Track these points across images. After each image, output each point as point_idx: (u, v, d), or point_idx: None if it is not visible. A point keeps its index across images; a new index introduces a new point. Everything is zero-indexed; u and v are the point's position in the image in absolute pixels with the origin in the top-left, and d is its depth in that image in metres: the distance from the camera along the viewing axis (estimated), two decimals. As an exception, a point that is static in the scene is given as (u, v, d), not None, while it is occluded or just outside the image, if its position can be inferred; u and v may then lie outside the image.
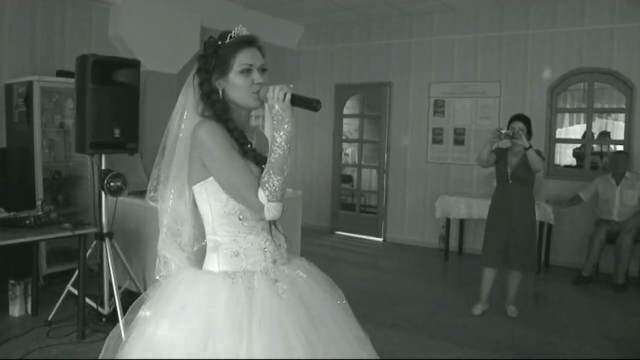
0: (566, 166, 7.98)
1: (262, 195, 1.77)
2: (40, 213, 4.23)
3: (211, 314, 1.72)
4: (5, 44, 5.48)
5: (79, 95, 4.20)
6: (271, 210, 1.79)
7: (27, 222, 4.05)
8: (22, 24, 5.61)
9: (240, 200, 1.82)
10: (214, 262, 1.88)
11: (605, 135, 7.93)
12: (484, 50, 7.40)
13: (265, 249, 1.90)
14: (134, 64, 4.46)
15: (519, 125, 4.64)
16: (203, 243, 1.98)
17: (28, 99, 5.20)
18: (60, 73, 5.51)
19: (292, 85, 1.81)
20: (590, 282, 6.00)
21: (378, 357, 2.02)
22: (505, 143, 4.81)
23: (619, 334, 4.65)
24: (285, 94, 1.77)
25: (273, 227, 1.93)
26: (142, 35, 6.39)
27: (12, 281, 4.55)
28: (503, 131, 4.61)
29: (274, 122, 1.79)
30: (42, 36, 5.78)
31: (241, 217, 1.86)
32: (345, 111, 8.97)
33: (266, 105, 1.84)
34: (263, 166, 1.82)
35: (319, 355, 1.75)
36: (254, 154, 1.86)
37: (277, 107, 1.77)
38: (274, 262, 1.91)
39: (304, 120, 8.93)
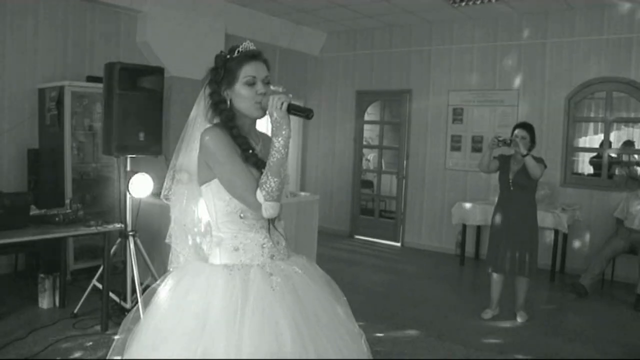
0: (588, 175, 7.98)
1: (259, 195, 1.93)
2: (68, 211, 4.49)
3: (209, 301, 1.91)
4: (39, 51, 5.79)
5: (106, 101, 4.45)
6: (268, 209, 1.95)
7: (57, 219, 4.30)
8: (54, 31, 5.91)
9: (240, 200, 2.00)
10: (216, 256, 2.08)
11: (630, 144, 7.90)
12: (503, 59, 7.48)
13: (264, 245, 2.07)
14: (159, 71, 4.68)
15: (521, 133, 4.74)
16: (210, 236, 2.16)
17: (59, 103, 5.48)
18: (90, 78, 5.78)
19: (290, 95, 1.97)
20: (586, 295, 5.82)
21: (369, 351, 2.17)
22: (508, 150, 4.92)
23: (630, 341, 4.70)
24: (282, 103, 1.94)
25: (272, 225, 2.09)
26: (168, 42, 6.65)
27: (41, 275, 4.81)
28: (500, 138, 4.73)
29: (273, 128, 1.95)
30: (74, 43, 6.08)
31: (242, 215, 2.04)
32: (367, 117, 9.10)
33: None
34: (262, 170, 1.98)
35: (308, 344, 1.90)
36: (254, 159, 2.04)
37: (275, 115, 1.94)
38: (272, 257, 2.08)
39: (325, 126, 9.12)
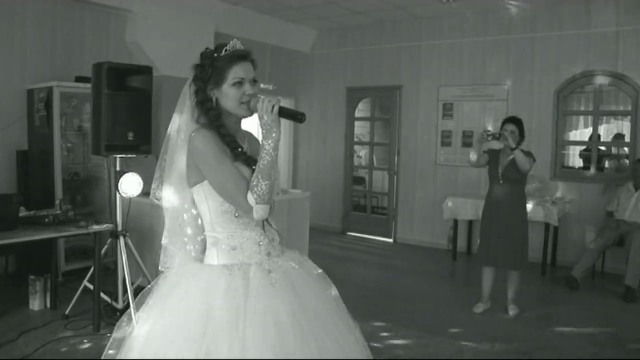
0: (579, 168, 8.03)
1: (250, 198, 1.94)
2: (58, 212, 4.47)
3: (210, 302, 1.90)
4: (27, 51, 5.75)
5: (95, 101, 4.44)
6: (259, 212, 1.95)
7: (46, 220, 4.27)
8: (43, 31, 5.87)
9: (231, 202, 2.00)
10: (213, 256, 2.07)
11: (620, 137, 7.96)
12: (492, 54, 7.51)
13: (260, 243, 2.07)
14: (147, 70, 4.68)
15: (510, 127, 4.77)
16: (203, 236, 2.16)
17: (48, 104, 5.45)
18: (79, 78, 5.75)
19: (279, 98, 1.98)
20: (578, 288, 5.88)
21: (365, 343, 2.18)
22: (497, 144, 4.95)
23: (620, 331, 4.74)
24: (273, 106, 1.94)
25: (266, 223, 2.10)
26: (158, 41, 6.63)
27: (32, 277, 4.79)
28: (489, 132, 4.77)
29: (263, 131, 1.95)
30: (62, 43, 6.04)
31: (236, 214, 2.03)
32: (357, 114, 9.12)
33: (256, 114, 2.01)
34: (253, 167, 1.98)
35: (309, 338, 1.92)
36: (244, 157, 2.04)
37: (265, 117, 1.94)
38: (268, 254, 2.08)
39: (316, 123, 9.12)
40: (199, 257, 2.17)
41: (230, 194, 1.97)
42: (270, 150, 1.94)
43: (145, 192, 4.84)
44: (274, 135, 1.94)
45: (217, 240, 2.07)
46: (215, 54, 2.05)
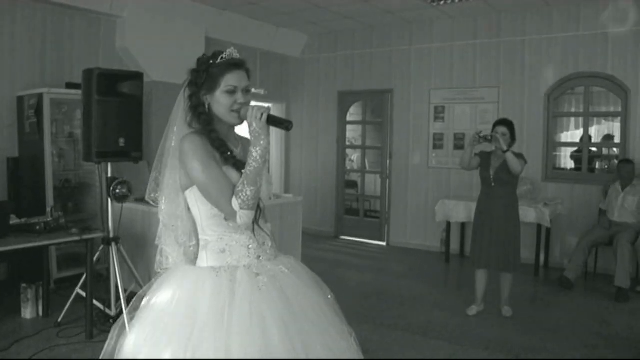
0: (570, 169, 8.08)
1: (235, 203, 1.96)
2: (50, 219, 4.44)
3: (197, 303, 1.93)
4: (17, 58, 5.71)
5: (86, 107, 4.42)
6: (242, 217, 1.97)
7: (38, 227, 4.25)
8: (32, 38, 5.84)
9: (216, 207, 2.02)
10: (203, 259, 2.10)
11: (609, 138, 8.03)
12: (482, 57, 7.55)
13: (249, 246, 2.09)
14: (138, 76, 4.67)
15: (502, 129, 4.80)
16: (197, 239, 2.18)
17: (38, 111, 5.42)
18: (70, 85, 5.73)
19: (269, 106, 2.00)
20: (572, 288, 5.92)
21: (359, 349, 2.18)
22: (489, 146, 4.97)
23: (611, 332, 4.76)
24: (262, 114, 1.97)
25: (257, 226, 2.11)
26: (148, 47, 6.61)
27: (24, 285, 4.75)
28: (481, 134, 4.79)
29: (252, 138, 1.98)
30: (52, 49, 6.01)
31: (227, 218, 2.04)
32: (349, 118, 9.13)
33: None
34: (242, 171, 2.00)
35: (296, 341, 1.93)
36: (233, 161, 2.06)
37: (254, 125, 1.97)
38: (258, 258, 2.10)
39: (308, 127, 9.12)
40: (192, 259, 2.19)
41: (214, 198, 2.00)
42: (258, 158, 1.96)
43: (137, 199, 4.87)
44: (262, 142, 1.96)
45: (207, 242, 2.10)
46: (211, 61, 2.08)
